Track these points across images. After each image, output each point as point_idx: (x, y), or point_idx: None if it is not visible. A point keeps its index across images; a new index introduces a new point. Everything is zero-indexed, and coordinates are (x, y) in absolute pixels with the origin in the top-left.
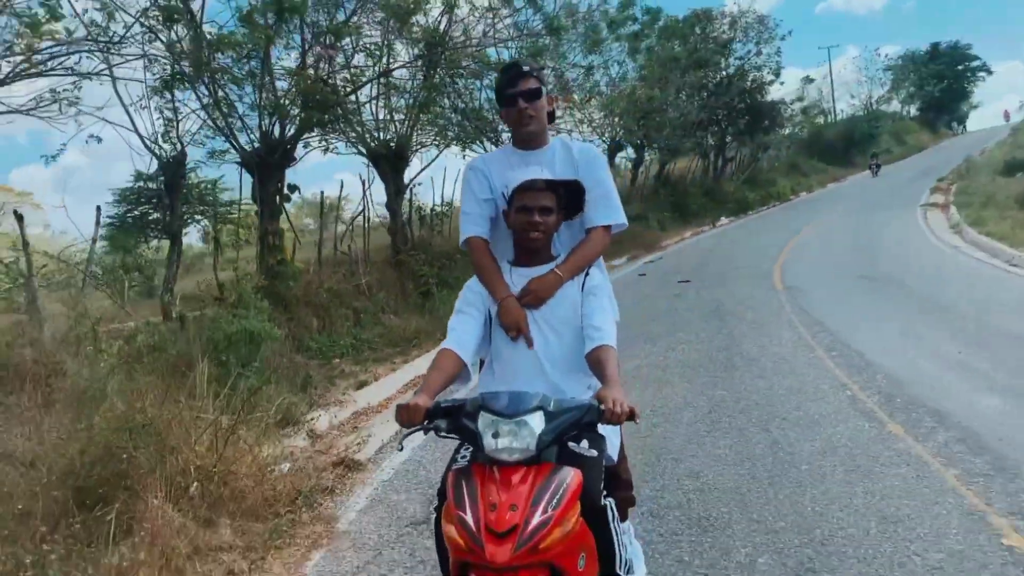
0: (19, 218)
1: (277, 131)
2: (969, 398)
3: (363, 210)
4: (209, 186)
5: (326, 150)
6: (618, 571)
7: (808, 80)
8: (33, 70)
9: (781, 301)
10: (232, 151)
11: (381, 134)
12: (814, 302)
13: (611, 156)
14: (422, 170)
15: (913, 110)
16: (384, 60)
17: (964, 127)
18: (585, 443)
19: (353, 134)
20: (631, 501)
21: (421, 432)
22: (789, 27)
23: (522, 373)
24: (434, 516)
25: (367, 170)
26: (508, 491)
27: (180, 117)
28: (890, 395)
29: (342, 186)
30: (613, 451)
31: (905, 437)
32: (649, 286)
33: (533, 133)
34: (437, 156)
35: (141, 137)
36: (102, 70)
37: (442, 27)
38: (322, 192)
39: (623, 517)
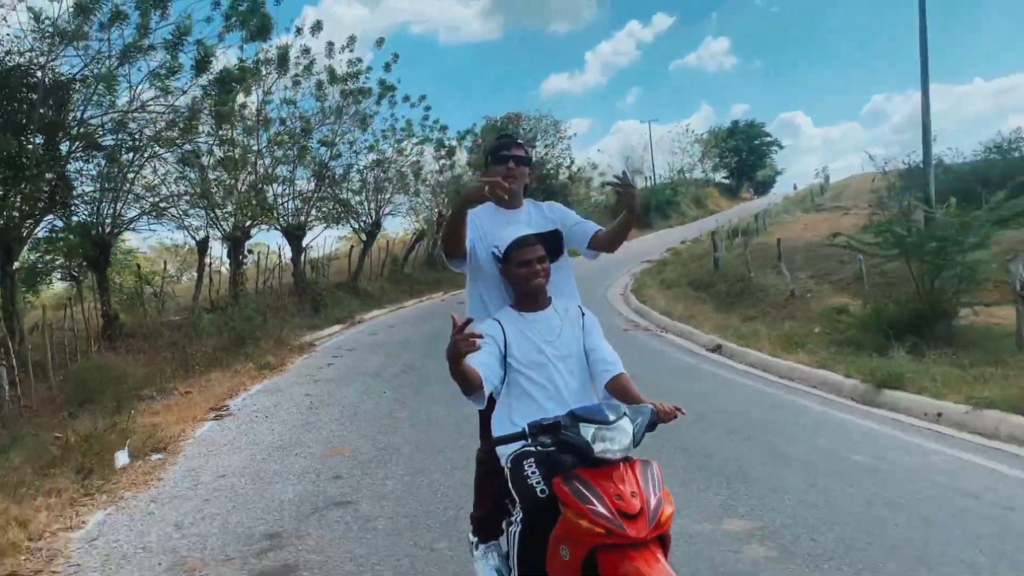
0: None
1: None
2: None
3: (279, 262)
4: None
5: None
6: None
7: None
8: None
9: None
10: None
11: (290, 219)
12: None
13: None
14: (313, 239)
15: (719, 177)
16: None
17: (756, 192)
18: None
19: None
20: None
21: (518, 444)
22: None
23: (549, 407)
24: (515, 530)
25: (285, 238)
26: (623, 483)
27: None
28: None
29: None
30: None
31: None
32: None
33: (514, 192)
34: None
35: None
36: None
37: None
38: (258, 253)
39: None
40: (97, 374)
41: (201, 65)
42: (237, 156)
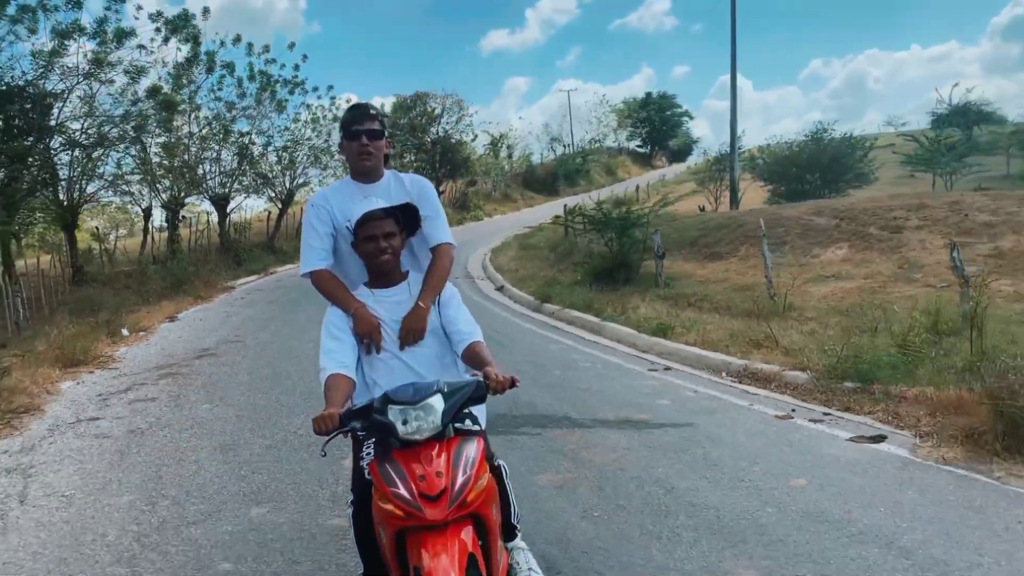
0: None
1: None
2: None
3: (207, 225)
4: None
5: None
6: (513, 520)
7: (498, 138)
8: None
9: None
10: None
11: (217, 190)
12: None
13: None
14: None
15: (633, 145)
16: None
17: (672, 160)
18: (468, 422)
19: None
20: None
21: (340, 436)
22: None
23: (399, 380)
24: (350, 512)
25: (213, 206)
26: (430, 463)
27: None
28: None
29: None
30: (485, 425)
31: None
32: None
33: (370, 168)
34: (245, 198)
35: None
36: None
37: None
38: (190, 219)
39: None
40: (86, 301)
41: (134, 77)
42: (173, 141)
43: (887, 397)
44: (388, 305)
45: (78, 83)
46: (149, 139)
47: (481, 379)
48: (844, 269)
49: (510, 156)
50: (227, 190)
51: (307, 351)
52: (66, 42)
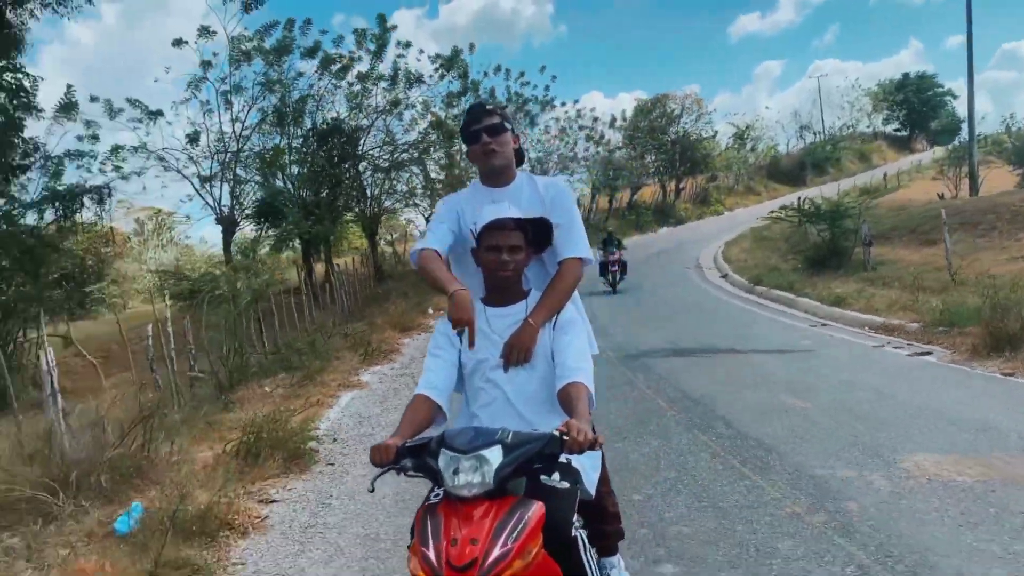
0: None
1: None
2: None
3: None
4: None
5: None
6: None
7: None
8: None
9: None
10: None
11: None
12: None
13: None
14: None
15: (891, 129)
16: None
17: (933, 143)
18: (557, 475)
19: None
20: (619, 534)
21: (393, 472)
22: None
23: (498, 414)
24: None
25: None
26: (469, 526)
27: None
28: None
29: None
30: (591, 484)
31: None
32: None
33: (498, 167)
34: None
35: None
36: None
37: None
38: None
39: (611, 550)
40: (386, 293)
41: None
42: (448, 162)
43: (959, 334)
44: (501, 325)
45: (378, 118)
46: (431, 161)
47: (556, 433)
48: None
49: (753, 149)
50: None
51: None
52: (368, 86)
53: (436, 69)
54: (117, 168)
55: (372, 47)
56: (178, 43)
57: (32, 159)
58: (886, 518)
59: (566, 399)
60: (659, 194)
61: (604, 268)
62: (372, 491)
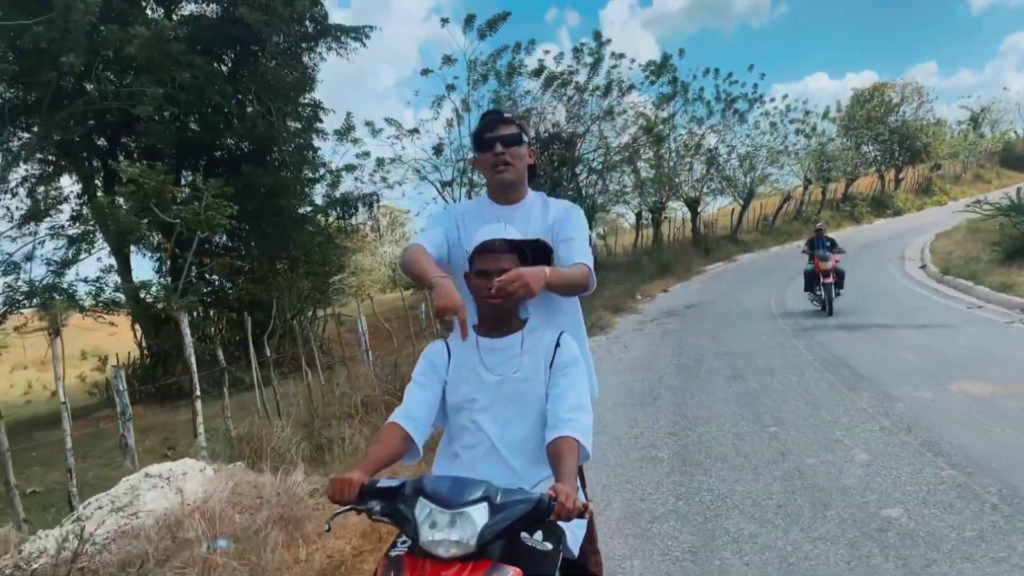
0: None
1: None
2: None
3: (681, 223)
4: None
5: None
6: None
7: (979, 112)
8: None
9: None
10: None
11: (691, 194)
12: None
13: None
14: (703, 208)
15: None
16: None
17: None
18: (539, 535)
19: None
20: None
21: (353, 512)
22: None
23: (480, 459)
24: None
25: (686, 207)
26: None
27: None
28: None
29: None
30: (574, 545)
31: None
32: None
33: (508, 182)
34: (713, 199)
35: None
36: None
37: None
38: (669, 218)
39: None
40: (601, 281)
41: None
42: (656, 160)
43: None
44: (495, 361)
45: (592, 124)
46: (641, 162)
47: (546, 497)
48: None
49: (982, 135)
50: (697, 193)
51: (751, 304)
52: (584, 97)
53: (647, 76)
54: (384, 179)
55: (590, 60)
56: (425, 72)
57: (320, 173)
58: (928, 420)
59: (554, 454)
60: (877, 184)
61: (812, 279)
62: (328, 530)
